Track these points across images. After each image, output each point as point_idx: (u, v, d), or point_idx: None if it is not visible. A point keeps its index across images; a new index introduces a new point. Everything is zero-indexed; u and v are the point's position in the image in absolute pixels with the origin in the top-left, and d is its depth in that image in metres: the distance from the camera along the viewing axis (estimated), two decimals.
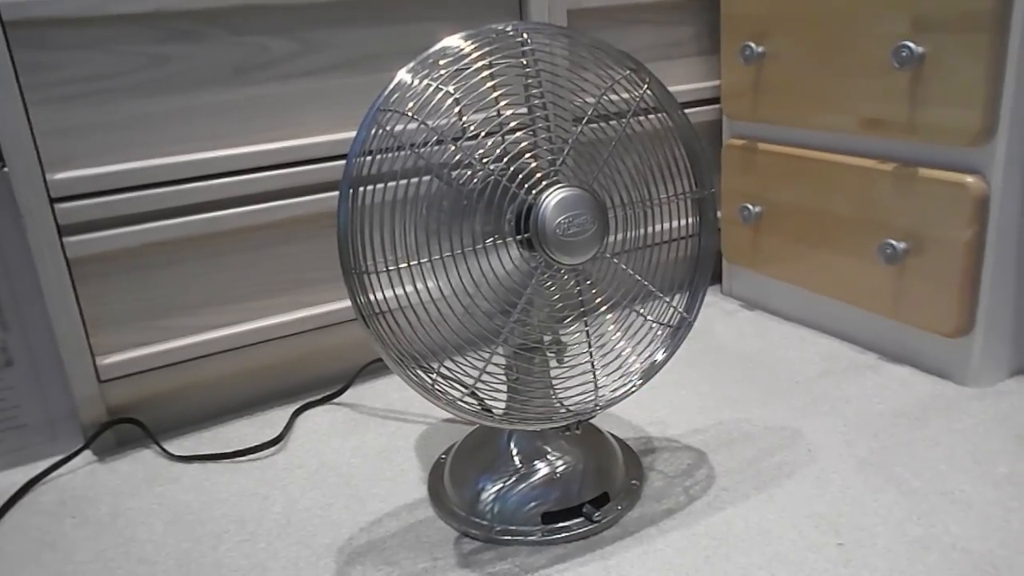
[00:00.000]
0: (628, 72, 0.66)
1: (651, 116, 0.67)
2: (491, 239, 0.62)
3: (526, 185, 0.61)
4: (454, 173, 0.60)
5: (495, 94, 0.61)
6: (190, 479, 0.83)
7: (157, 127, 0.83)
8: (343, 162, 0.58)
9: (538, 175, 0.62)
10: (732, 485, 0.75)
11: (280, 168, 0.88)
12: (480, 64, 0.60)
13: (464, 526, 0.71)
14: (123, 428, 0.90)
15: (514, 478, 0.73)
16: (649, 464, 0.79)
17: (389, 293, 0.60)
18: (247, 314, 0.92)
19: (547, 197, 0.61)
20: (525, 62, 0.62)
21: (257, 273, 0.91)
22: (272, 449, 0.87)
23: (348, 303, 0.60)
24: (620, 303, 0.68)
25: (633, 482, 0.76)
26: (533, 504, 0.71)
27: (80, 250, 0.81)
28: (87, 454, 0.89)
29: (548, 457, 0.73)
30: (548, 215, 0.61)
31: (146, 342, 0.87)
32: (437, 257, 0.60)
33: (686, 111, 1.15)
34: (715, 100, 1.15)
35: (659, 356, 0.71)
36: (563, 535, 0.69)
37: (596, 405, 0.68)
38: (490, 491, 0.73)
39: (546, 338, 0.69)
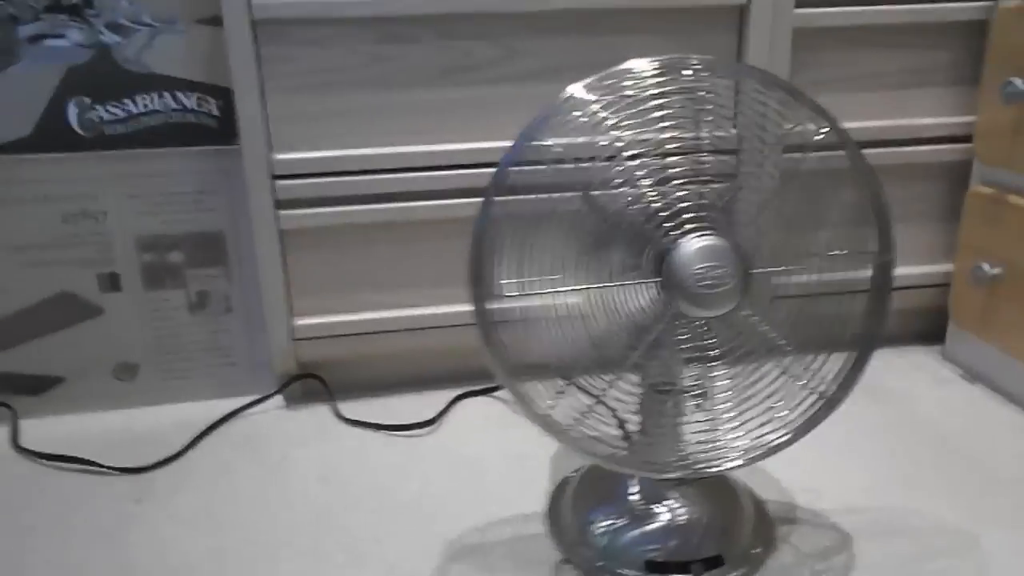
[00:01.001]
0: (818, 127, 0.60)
1: (827, 155, 0.60)
2: (628, 275, 0.60)
3: (666, 226, 0.59)
4: (598, 194, 0.59)
5: (662, 124, 0.59)
6: (350, 441, 0.91)
7: (370, 119, 0.90)
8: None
9: (684, 216, 0.59)
10: None
11: (473, 168, 0.92)
12: (652, 91, 0.58)
13: (569, 552, 0.71)
14: (309, 383, 1.01)
15: (628, 517, 0.71)
16: (783, 535, 0.73)
17: (511, 304, 0.61)
18: (428, 299, 0.98)
19: (686, 243, 0.58)
20: (703, 94, 0.59)
21: (442, 263, 0.97)
22: (426, 429, 0.93)
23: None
24: (757, 361, 0.63)
25: (756, 551, 0.71)
26: (641, 549, 0.69)
27: (292, 223, 0.91)
28: (279, 399, 1.01)
29: (668, 502, 0.71)
30: (684, 262, 0.58)
31: (338, 310, 0.97)
32: (568, 289, 0.60)
33: (929, 146, 1.03)
34: (964, 139, 1.00)
35: (785, 435, 0.65)
36: None
37: (708, 467, 0.64)
38: (602, 524, 0.72)
39: (683, 382, 0.66)
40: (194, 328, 0.98)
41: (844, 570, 0.68)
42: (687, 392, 0.66)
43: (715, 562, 0.68)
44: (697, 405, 0.66)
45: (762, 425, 0.64)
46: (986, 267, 0.95)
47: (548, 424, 0.63)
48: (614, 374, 0.62)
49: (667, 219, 0.59)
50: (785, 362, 0.63)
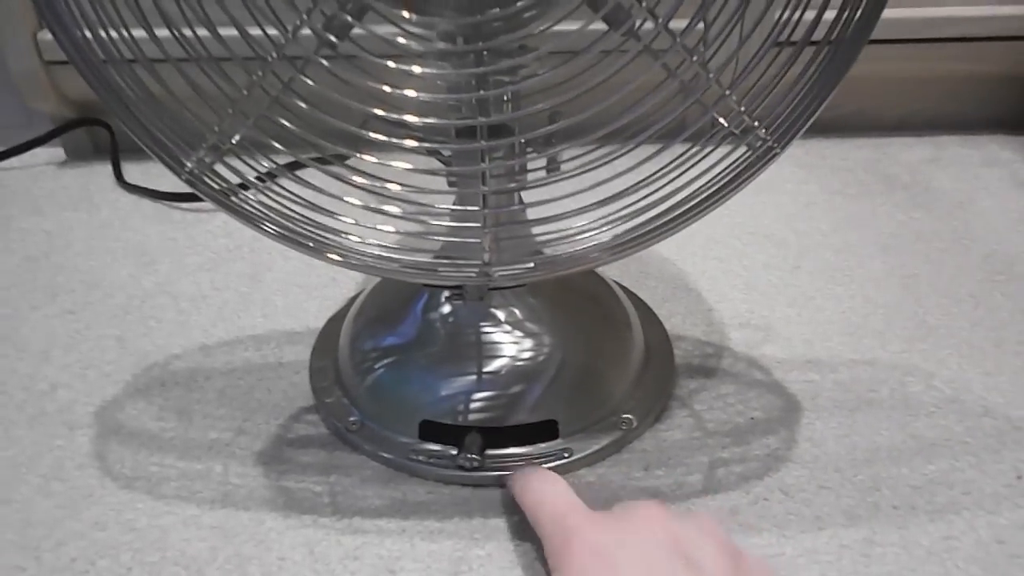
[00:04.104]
0: None
1: None
2: None
3: None
4: None
5: None
6: (109, 212, 0.63)
7: None
8: None
9: None
10: (803, 491, 0.38)
11: None
12: None
13: (322, 397, 0.44)
14: (99, 133, 0.72)
15: (420, 346, 0.42)
16: (684, 395, 0.44)
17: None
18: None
19: None
20: None
21: None
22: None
23: None
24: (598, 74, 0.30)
25: (626, 417, 0.41)
26: (423, 400, 0.41)
27: None
28: (58, 152, 0.73)
29: (489, 325, 0.41)
30: None
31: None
32: None
33: None
34: None
35: (668, 205, 0.33)
36: (425, 462, 0.39)
37: (485, 273, 0.33)
38: (377, 355, 0.43)
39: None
40: None
41: (763, 467, 0.39)
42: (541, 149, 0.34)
43: (541, 432, 0.40)
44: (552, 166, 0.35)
45: (636, 189, 0.32)
46: None
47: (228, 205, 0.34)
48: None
49: None
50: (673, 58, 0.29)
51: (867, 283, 0.53)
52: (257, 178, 0.34)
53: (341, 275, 0.53)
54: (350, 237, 0.34)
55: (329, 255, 0.34)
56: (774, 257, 0.56)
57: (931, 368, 0.45)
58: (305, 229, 0.34)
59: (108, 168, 0.69)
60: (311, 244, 0.34)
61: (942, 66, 0.71)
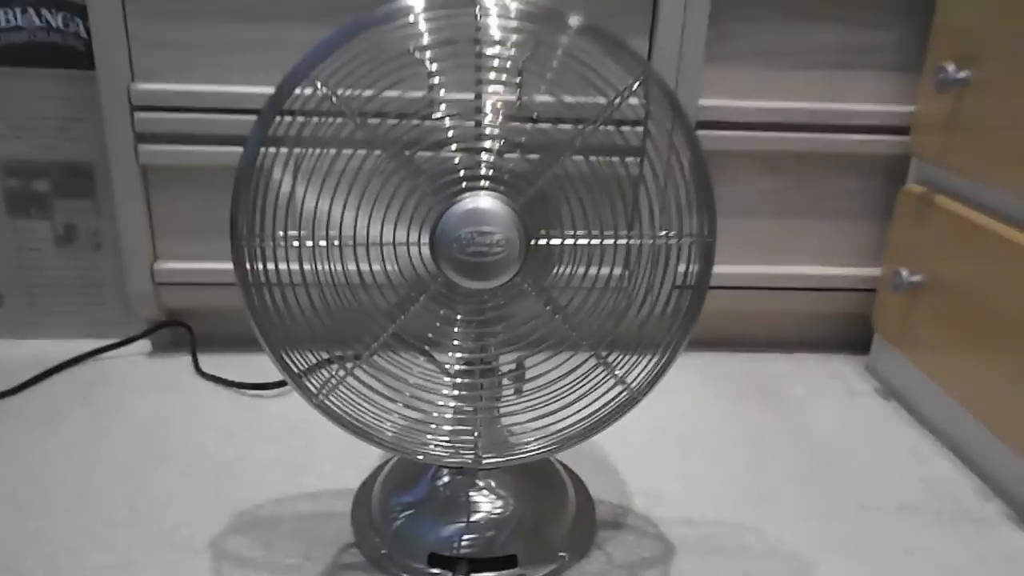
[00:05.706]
0: (634, 80, 0.52)
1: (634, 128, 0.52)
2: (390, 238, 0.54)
3: (450, 185, 0.52)
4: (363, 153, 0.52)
5: (431, 70, 0.52)
6: (195, 396, 0.86)
7: (241, 54, 0.84)
8: None
9: (462, 173, 0.52)
10: None
11: None
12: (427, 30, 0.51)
13: (359, 535, 0.66)
14: (180, 331, 0.96)
15: (429, 504, 0.65)
16: (601, 540, 0.66)
17: (282, 266, 0.55)
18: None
19: (460, 202, 0.51)
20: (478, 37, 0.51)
21: None
22: (277, 391, 0.88)
23: None
24: (540, 346, 0.56)
25: (562, 555, 0.64)
26: (430, 539, 0.63)
27: (153, 159, 0.86)
28: (145, 345, 0.96)
29: (476, 492, 0.64)
30: (453, 224, 0.51)
31: (204, 257, 0.91)
32: (336, 243, 0.54)
33: (866, 136, 0.93)
34: (905, 130, 0.90)
35: (579, 428, 0.58)
36: None
37: (475, 459, 0.57)
38: (400, 509, 0.66)
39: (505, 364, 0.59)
40: (61, 262, 0.94)
41: None
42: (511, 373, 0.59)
43: (507, 563, 0.62)
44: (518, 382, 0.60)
45: (549, 414, 0.57)
46: (905, 273, 0.85)
47: (325, 409, 0.58)
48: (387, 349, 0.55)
49: (453, 180, 0.52)
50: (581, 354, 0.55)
51: (732, 465, 0.78)
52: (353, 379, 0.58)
53: (369, 450, 0.76)
54: (432, 446, 0.57)
55: (418, 457, 0.57)
56: (671, 445, 0.80)
57: (764, 527, 0.69)
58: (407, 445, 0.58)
59: (188, 359, 0.93)
60: (411, 454, 0.57)
61: (800, 305, 0.99)
